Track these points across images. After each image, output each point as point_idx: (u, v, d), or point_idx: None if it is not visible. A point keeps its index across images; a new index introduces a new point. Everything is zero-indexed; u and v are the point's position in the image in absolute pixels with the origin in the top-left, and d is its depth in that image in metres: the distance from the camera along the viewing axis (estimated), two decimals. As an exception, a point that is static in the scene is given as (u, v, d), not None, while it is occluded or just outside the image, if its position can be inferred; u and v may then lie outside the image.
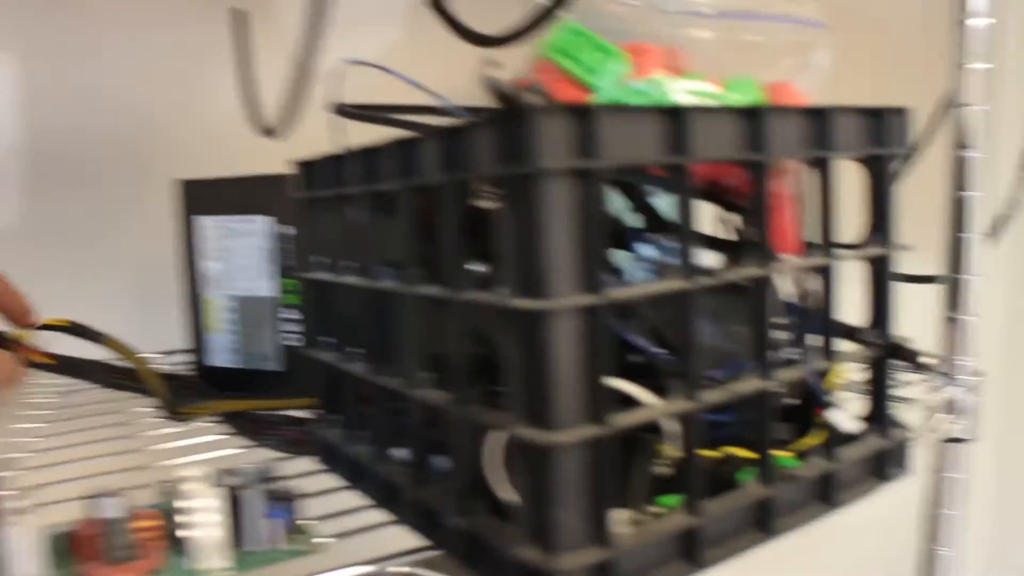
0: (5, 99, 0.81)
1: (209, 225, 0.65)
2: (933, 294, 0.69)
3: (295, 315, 0.63)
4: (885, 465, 0.45)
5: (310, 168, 0.50)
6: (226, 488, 0.41)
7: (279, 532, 0.42)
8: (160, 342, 0.75)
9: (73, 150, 0.82)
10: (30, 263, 0.80)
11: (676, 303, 0.36)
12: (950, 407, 0.70)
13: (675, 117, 0.35)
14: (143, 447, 0.54)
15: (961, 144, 0.70)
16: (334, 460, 0.50)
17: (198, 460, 0.53)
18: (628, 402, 0.35)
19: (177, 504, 0.41)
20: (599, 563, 0.33)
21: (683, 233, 0.36)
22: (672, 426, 0.37)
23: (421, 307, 0.40)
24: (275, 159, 0.66)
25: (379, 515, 0.45)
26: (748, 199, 0.41)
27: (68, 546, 0.40)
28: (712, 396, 0.37)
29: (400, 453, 0.44)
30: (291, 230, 0.63)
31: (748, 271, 0.38)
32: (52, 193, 0.83)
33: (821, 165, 0.42)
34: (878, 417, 0.45)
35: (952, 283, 0.72)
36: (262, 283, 0.64)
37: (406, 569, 0.41)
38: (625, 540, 0.34)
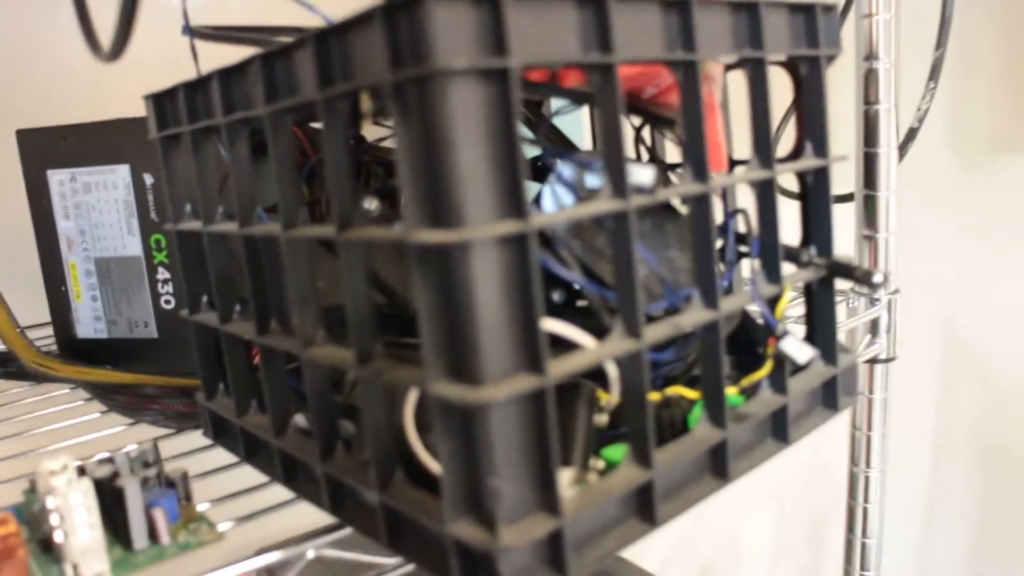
0: None
1: (60, 180, 0.57)
2: (845, 213, 0.66)
3: (169, 275, 0.56)
4: (835, 393, 0.41)
5: (163, 101, 0.43)
6: (99, 479, 0.35)
7: (166, 525, 0.36)
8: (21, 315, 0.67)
9: None
10: None
11: (612, 227, 0.31)
12: (874, 327, 0.68)
13: (598, 8, 0.30)
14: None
15: (869, 55, 0.67)
16: (223, 434, 0.44)
17: (65, 446, 0.46)
18: (558, 347, 0.30)
19: (39, 503, 0.35)
20: (548, 534, 0.28)
21: (613, 147, 0.31)
22: (614, 370, 0.32)
23: (309, 254, 0.34)
24: (131, 102, 0.58)
25: (281, 493, 0.40)
26: (678, 109, 0.36)
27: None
28: (658, 332, 0.32)
29: (300, 422, 0.38)
30: (151, 179, 0.55)
31: (689, 188, 0.34)
32: None
33: (755, 66, 0.37)
34: (825, 343, 0.41)
35: (866, 200, 0.70)
36: (129, 241, 0.57)
37: (314, 553, 0.36)
38: (574, 504, 0.29)
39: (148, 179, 0.55)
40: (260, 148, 0.36)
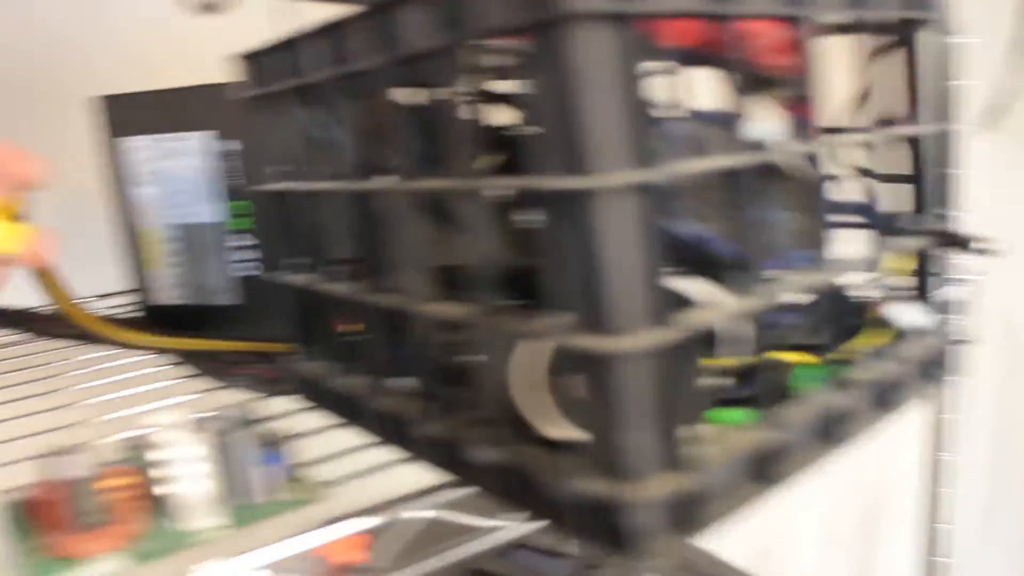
0: None
1: (139, 147, 0.58)
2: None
3: (247, 241, 0.56)
4: (938, 366, 0.40)
5: (258, 60, 0.42)
6: (209, 434, 0.35)
7: (276, 480, 0.36)
8: (92, 284, 0.67)
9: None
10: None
11: (733, 183, 0.30)
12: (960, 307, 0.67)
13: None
14: (93, 398, 0.48)
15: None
16: (319, 396, 0.44)
17: (166, 406, 0.47)
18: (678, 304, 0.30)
19: (152, 457, 0.35)
20: (677, 491, 0.28)
21: (735, 103, 0.30)
22: (744, 328, 0.32)
23: (423, 209, 0.34)
24: (204, 71, 0.58)
25: (383, 454, 0.40)
26: (787, 68, 0.35)
27: (26, 515, 0.34)
28: (782, 292, 0.31)
29: (401, 383, 0.38)
30: (236, 145, 0.55)
31: (804, 147, 0.33)
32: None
33: (862, 29, 0.37)
34: (933, 314, 0.40)
35: (940, 179, 0.69)
36: (206, 208, 0.57)
37: (430, 512, 0.36)
38: (702, 462, 0.29)
39: (227, 145, 0.55)
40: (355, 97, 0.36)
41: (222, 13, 0.39)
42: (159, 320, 0.59)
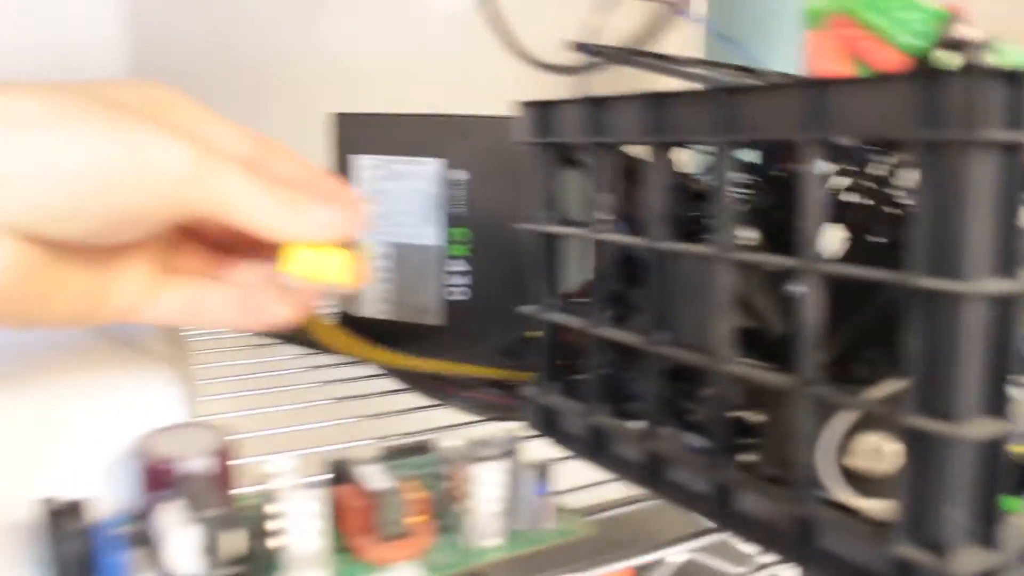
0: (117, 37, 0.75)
1: (368, 165, 0.61)
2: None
3: (462, 267, 0.59)
4: None
5: (549, 111, 0.45)
6: (501, 459, 0.38)
7: (548, 510, 0.39)
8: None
9: (192, 74, 0.77)
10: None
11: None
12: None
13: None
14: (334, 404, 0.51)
15: None
16: (551, 428, 0.47)
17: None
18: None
19: (446, 472, 0.38)
20: (986, 566, 0.30)
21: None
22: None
23: (740, 276, 0.37)
24: (436, 100, 0.62)
25: (624, 489, 0.42)
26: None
27: (333, 516, 0.37)
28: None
29: (661, 428, 0.41)
30: (462, 175, 0.58)
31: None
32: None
33: None
34: None
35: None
36: (426, 231, 0.60)
37: (687, 554, 0.38)
38: (1013, 542, 0.31)
39: (454, 175, 0.59)
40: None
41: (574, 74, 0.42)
42: (360, 330, 0.62)
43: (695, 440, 0.40)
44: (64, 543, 0.33)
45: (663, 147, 0.39)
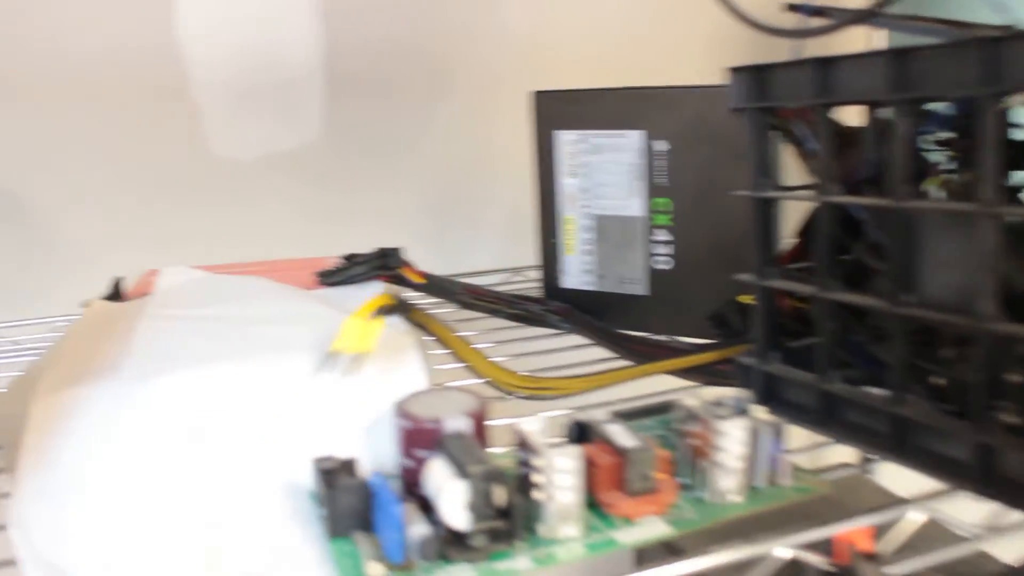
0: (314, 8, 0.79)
1: (569, 139, 0.62)
2: None
3: (665, 237, 0.60)
4: None
5: (761, 75, 0.45)
6: (738, 417, 0.38)
7: (786, 467, 0.39)
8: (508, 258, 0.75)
9: (377, 60, 0.80)
10: (335, 177, 0.79)
11: None
12: None
13: None
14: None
15: None
16: (773, 397, 0.47)
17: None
18: None
19: (686, 430, 0.39)
20: None
21: None
22: None
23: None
24: (635, 74, 0.62)
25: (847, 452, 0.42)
26: None
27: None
28: None
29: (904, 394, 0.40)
30: (664, 146, 0.59)
31: None
32: (352, 105, 0.81)
33: None
34: None
35: None
36: (629, 202, 0.61)
37: (926, 514, 0.38)
38: None
39: (656, 145, 0.59)
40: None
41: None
42: (563, 300, 0.64)
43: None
44: (342, 497, 0.36)
45: (909, 104, 0.38)
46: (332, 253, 0.60)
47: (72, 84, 0.73)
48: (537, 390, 0.48)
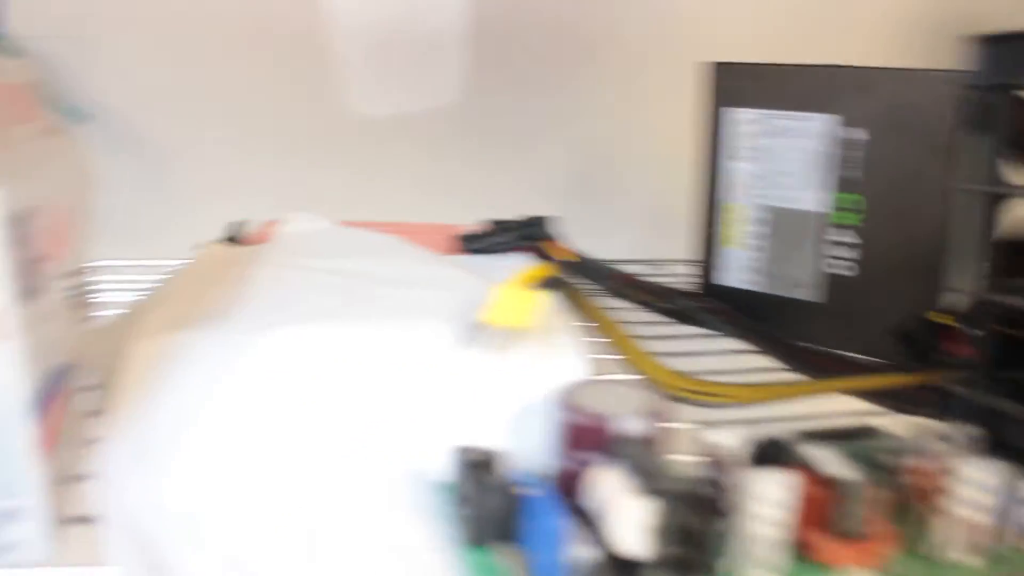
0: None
1: (746, 119, 0.55)
2: None
3: (849, 238, 0.52)
4: None
5: (1016, 45, 0.37)
6: (979, 460, 0.31)
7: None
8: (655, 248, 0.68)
9: (524, 25, 0.74)
10: (466, 146, 0.73)
11: None
12: None
13: None
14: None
15: None
16: (993, 434, 0.39)
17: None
18: None
19: (912, 464, 0.31)
20: None
21: None
22: None
23: None
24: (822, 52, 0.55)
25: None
26: None
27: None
28: None
29: None
30: (861, 134, 0.51)
31: None
32: (493, 71, 0.76)
33: None
34: None
35: None
36: (808, 195, 0.53)
37: None
38: None
39: (849, 133, 0.51)
40: None
41: None
42: (720, 299, 0.56)
43: None
44: (490, 499, 0.29)
45: None
46: (452, 221, 0.54)
47: (209, 28, 0.70)
48: (704, 395, 0.41)
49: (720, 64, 0.56)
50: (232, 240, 0.51)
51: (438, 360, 0.35)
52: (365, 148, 0.74)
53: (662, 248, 0.69)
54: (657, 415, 0.32)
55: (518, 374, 0.35)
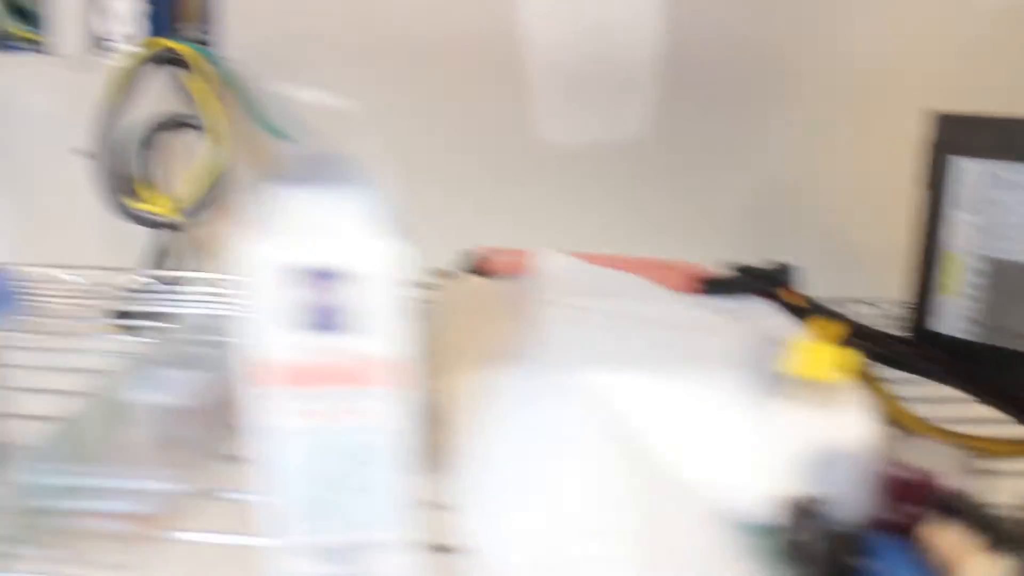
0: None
1: (973, 170, 0.56)
2: None
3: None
4: None
5: None
6: None
7: None
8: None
9: (718, 57, 0.76)
10: (654, 177, 0.75)
11: None
12: None
13: None
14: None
15: None
16: None
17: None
18: None
19: None
20: None
21: None
22: None
23: None
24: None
25: None
26: None
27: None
28: None
29: None
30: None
31: None
32: (685, 103, 0.78)
33: None
34: None
35: None
36: (1035, 248, 0.54)
37: None
38: None
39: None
40: None
41: None
42: (931, 345, 0.57)
43: None
44: (822, 543, 0.31)
45: None
46: (635, 254, 0.56)
47: (416, 58, 0.73)
48: (969, 447, 0.42)
49: (945, 115, 0.57)
50: (477, 272, 0.53)
51: (743, 407, 0.36)
52: (555, 176, 0.77)
53: (837, 288, 0.69)
54: (968, 471, 0.33)
55: (815, 424, 0.36)
